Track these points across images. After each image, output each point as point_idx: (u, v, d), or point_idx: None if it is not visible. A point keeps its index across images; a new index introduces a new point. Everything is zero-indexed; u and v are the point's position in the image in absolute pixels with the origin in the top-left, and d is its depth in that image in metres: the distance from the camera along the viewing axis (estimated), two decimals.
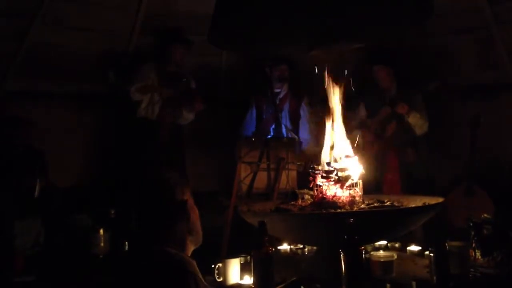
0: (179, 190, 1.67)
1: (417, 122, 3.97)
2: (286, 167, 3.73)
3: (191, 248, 1.71)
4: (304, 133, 4.36)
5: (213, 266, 2.27)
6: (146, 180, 1.68)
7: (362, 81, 4.30)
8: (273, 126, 4.32)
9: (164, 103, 4.20)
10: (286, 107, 4.42)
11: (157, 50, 4.42)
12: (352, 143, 2.69)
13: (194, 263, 1.56)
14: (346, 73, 2.78)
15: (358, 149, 2.72)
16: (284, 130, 4.31)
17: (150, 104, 4.18)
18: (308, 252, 2.88)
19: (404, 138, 4.00)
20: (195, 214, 1.72)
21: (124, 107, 4.37)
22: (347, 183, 2.50)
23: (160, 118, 4.20)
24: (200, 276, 1.54)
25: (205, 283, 1.58)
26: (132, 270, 1.55)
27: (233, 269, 2.28)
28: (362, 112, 4.26)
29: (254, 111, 4.50)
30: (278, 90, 4.42)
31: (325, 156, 2.65)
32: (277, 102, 4.37)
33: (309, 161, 3.75)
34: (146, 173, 1.74)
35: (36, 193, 3.87)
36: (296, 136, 4.32)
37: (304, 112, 4.41)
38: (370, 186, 2.61)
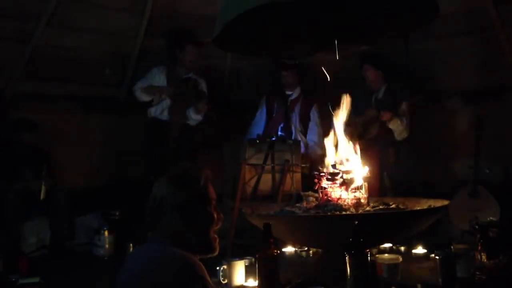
0: None
1: (397, 128, 3.99)
2: (291, 169, 3.73)
3: None
4: (312, 136, 4.37)
5: (218, 268, 2.28)
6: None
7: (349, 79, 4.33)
8: (282, 125, 4.35)
9: (173, 104, 4.22)
10: (297, 108, 4.45)
11: (167, 52, 4.43)
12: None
13: (202, 266, 1.56)
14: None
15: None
16: (293, 129, 4.33)
17: (160, 105, 4.21)
18: (313, 254, 2.88)
19: (388, 138, 4.01)
20: None
21: (134, 108, 4.39)
22: (352, 186, 2.50)
23: (170, 119, 4.22)
24: (209, 279, 1.54)
25: (213, 286, 1.58)
26: (139, 271, 1.54)
27: (238, 271, 2.28)
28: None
29: (264, 110, 4.52)
30: (289, 93, 4.47)
31: (330, 159, 2.65)
32: (288, 103, 4.42)
33: (314, 163, 3.76)
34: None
35: (42, 195, 3.88)
36: (304, 138, 4.34)
37: (314, 116, 4.43)
38: None
